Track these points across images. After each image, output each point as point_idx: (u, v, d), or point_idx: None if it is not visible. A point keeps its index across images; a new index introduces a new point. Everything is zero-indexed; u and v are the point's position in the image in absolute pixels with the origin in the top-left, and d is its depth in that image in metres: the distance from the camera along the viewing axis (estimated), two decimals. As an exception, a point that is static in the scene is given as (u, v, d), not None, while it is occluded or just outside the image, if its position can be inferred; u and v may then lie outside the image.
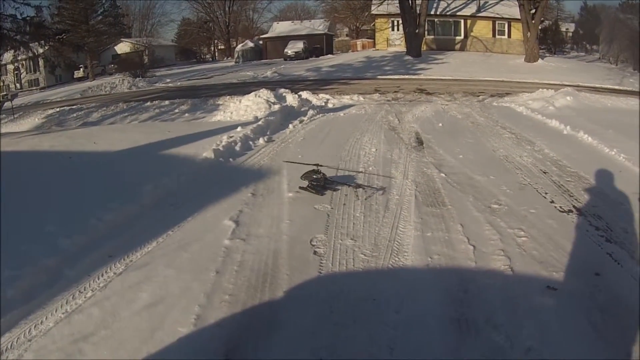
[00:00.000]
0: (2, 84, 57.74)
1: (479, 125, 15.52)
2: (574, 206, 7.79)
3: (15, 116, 29.19)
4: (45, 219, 7.14)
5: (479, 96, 23.96)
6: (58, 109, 30.05)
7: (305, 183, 8.64)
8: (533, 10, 43.46)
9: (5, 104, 26.69)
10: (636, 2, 48.74)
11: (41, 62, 55.31)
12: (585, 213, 7.45)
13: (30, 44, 27.54)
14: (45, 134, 17.97)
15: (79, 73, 66.72)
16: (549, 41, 68.65)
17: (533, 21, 43.34)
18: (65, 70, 62.45)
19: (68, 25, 54.90)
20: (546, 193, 8.48)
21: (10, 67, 60.45)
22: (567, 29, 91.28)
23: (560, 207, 7.74)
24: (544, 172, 9.85)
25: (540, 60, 43.76)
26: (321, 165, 8.83)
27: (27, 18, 25.68)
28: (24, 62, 55.69)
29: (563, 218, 7.28)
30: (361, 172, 9.94)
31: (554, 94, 21.10)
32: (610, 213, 7.40)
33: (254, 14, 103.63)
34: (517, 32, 50.80)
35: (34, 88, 64.19)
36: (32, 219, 7.18)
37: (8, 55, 32.41)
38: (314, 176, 8.57)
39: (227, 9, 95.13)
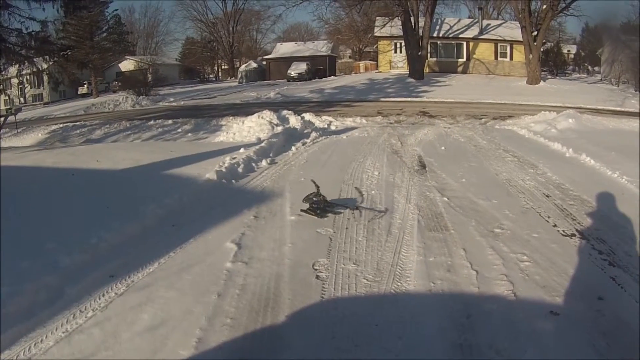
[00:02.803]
0: (6, 98, 58.29)
1: (482, 149, 15.55)
2: (576, 230, 7.77)
3: (19, 130, 29.58)
4: (46, 235, 7.11)
5: (481, 119, 24.06)
6: (62, 125, 30.46)
7: (306, 206, 8.63)
8: (535, 33, 43.66)
9: (9, 118, 26.85)
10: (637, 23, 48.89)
11: (45, 78, 55.67)
12: (588, 237, 7.43)
13: (35, 59, 27.74)
14: (48, 149, 18.12)
15: (82, 89, 67.81)
16: (550, 63, 68.67)
17: (535, 43, 43.62)
18: (69, 86, 63.16)
19: (73, 41, 55.27)
20: (549, 217, 8.45)
21: (15, 81, 60.84)
22: (568, 50, 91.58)
23: (563, 231, 7.72)
24: (547, 196, 9.85)
25: (542, 83, 44.00)
26: (319, 187, 8.85)
27: (33, 33, 25.92)
28: (28, 76, 56.01)
29: (566, 242, 7.26)
30: (363, 194, 9.94)
31: (556, 117, 21.17)
32: (613, 236, 7.38)
33: (258, 34, 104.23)
34: (519, 54, 51.08)
35: (38, 103, 65.17)
36: (33, 236, 7.15)
37: (12, 70, 32.53)
38: (314, 199, 8.55)
39: (230, 29, 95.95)
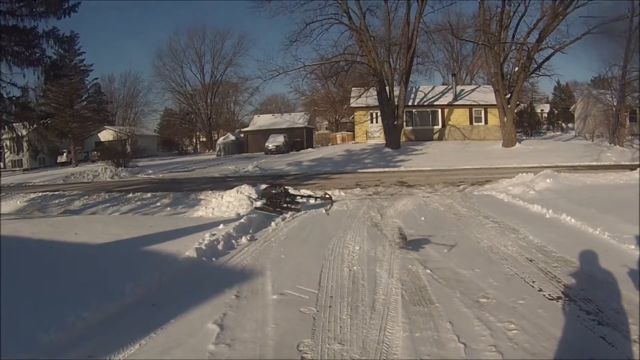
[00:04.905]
0: None
1: (462, 217, 15.52)
2: (562, 292, 7.75)
3: None
4: (22, 311, 7.01)
5: (459, 186, 24.11)
6: (40, 194, 30.53)
7: (263, 202, 8.48)
8: (508, 95, 44.23)
9: None
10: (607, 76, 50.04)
11: (25, 144, 56.04)
12: (574, 298, 7.42)
13: (15, 125, 27.85)
14: (26, 219, 18.12)
15: (62, 158, 69.79)
16: (525, 124, 69.92)
17: (509, 106, 44.18)
18: (48, 154, 63.88)
19: (53, 109, 56.35)
20: (534, 281, 8.41)
21: None
22: (542, 109, 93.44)
23: (549, 294, 7.68)
24: (530, 260, 9.82)
25: (518, 144, 44.56)
26: (281, 177, 8.83)
27: (13, 98, 26.02)
28: (7, 142, 56.37)
29: (553, 306, 7.21)
30: (346, 269, 9.85)
31: (534, 178, 21.32)
32: (600, 295, 7.40)
33: (235, 106, 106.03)
34: (493, 117, 51.81)
35: (17, 169, 66.37)
36: (8, 310, 6.98)
37: None
38: (273, 191, 8.42)
39: (208, 100, 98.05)
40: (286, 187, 7.76)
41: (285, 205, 7.85)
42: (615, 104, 47.70)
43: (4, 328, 6.27)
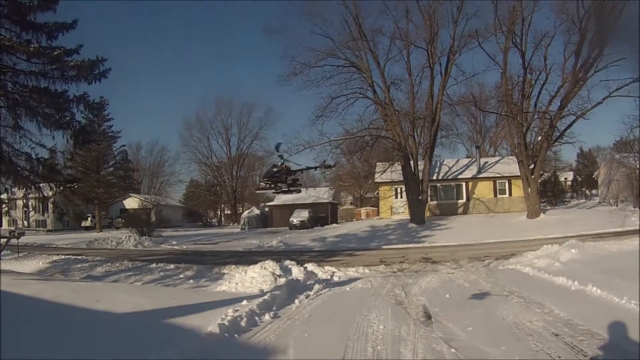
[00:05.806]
0: (10, 219, 59.58)
1: (487, 293, 15.40)
2: (589, 366, 7.68)
3: (20, 255, 30.64)
4: None
5: (484, 260, 24.06)
6: (63, 257, 31.54)
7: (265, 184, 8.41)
8: (532, 165, 44.35)
9: (12, 240, 27.31)
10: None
11: (50, 206, 57.01)
12: (601, 372, 7.35)
13: (41, 185, 28.45)
14: (48, 281, 18.27)
15: (86, 222, 72.03)
16: (549, 193, 69.76)
17: (533, 176, 44.31)
18: (72, 217, 64.90)
19: (80, 172, 57.98)
20: (559, 357, 8.33)
21: (20, 203, 62.59)
22: (565, 178, 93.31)
23: (576, 369, 7.62)
24: (556, 335, 9.74)
25: (542, 215, 44.55)
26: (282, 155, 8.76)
27: (41, 159, 26.59)
28: (33, 201, 57.55)
29: (579, 381, 7.16)
30: (370, 349, 9.78)
31: (559, 249, 21.23)
32: (627, 367, 7.31)
33: (261, 180, 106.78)
34: (517, 189, 52.03)
35: (41, 229, 68.77)
36: None
37: (19, 192, 33.35)
38: (275, 169, 8.43)
39: (234, 173, 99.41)
40: (287, 165, 7.79)
41: (284, 181, 7.88)
42: (638, 166, 47.69)
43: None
